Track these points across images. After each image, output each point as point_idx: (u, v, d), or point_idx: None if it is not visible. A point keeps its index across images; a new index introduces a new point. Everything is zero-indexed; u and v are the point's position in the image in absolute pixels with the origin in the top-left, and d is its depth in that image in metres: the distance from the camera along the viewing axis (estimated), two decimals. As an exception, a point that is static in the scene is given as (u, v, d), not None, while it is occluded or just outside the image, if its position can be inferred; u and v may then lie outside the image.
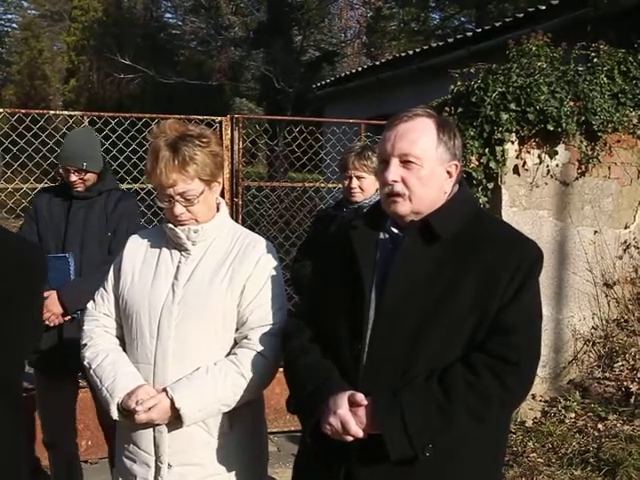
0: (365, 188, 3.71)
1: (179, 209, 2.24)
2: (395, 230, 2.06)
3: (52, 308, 3.48)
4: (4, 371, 2.09)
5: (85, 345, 2.37)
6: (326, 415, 1.91)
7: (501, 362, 1.86)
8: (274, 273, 2.33)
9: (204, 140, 2.25)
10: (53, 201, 3.73)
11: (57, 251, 3.62)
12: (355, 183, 3.71)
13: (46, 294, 3.51)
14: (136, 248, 2.41)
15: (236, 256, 2.30)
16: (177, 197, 2.22)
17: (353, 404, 1.89)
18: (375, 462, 1.90)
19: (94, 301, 2.45)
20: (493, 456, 2.06)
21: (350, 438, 1.89)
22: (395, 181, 1.98)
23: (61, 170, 3.71)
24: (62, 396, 3.68)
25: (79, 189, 3.68)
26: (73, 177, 3.62)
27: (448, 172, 2.04)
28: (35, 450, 4.34)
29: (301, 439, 2.18)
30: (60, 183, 3.88)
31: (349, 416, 1.88)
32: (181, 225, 2.27)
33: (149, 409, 2.14)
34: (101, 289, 2.45)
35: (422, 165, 1.98)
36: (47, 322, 3.49)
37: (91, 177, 3.69)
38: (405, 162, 1.98)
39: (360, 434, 1.88)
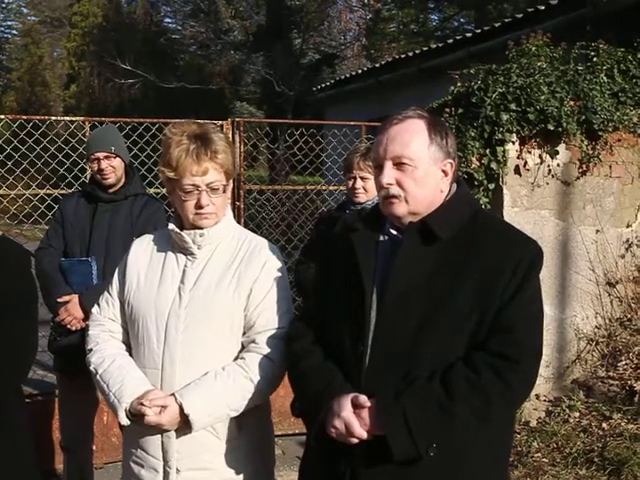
0: (369, 189, 3.70)
1: (205, 199, 2.23)
2: (394, 232, 2.06)
3: (74, 312, 3.48)
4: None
5: (91, 350, 2.36)
6: (330, 418, 1.91)
7: (501, 359, 1.87)
8: (280, 276, 2.32)
9: (225, 137, 2.33)
10: (80, 204, 3.71)
11: (81, 255, 3.61)
12: (359, 184, 3.71)
13: (68, 298, 3.55)
14: (140, 252, 2.40)
15: (242, 259, 2.29)
16: (203, 187, 2.22)
17: (357, 406, 1.89)
18: (380, 463, 1.90)
19: (99, 306, 2.44)
20: (498, 455, 2.06)
21: (355, 440, 1.89)
22: (390, 184, 1.99)
23: (90, 165, 3.68)
24: (83, 401, 3.67)
25: (110, 179, 3.64)
26: (103, 164, 3.59)
27: (443, 171, 2.04)
28: (52, 453, 4.36)
29: (306, 442, 2.18)
30: (87, 186, 3.84)
31: (353, 418, 1.88)
32: (201, 220, 2.26)
33: (159, 412, 2.13)
34: (105, 293, 2.44)
35: (416, 166, 1.99)
36: (69, 326, 3.51)
37: (120, 165, 3.66)
38: (399, 164, 1.99)
39: (364, 436, 1.88)
